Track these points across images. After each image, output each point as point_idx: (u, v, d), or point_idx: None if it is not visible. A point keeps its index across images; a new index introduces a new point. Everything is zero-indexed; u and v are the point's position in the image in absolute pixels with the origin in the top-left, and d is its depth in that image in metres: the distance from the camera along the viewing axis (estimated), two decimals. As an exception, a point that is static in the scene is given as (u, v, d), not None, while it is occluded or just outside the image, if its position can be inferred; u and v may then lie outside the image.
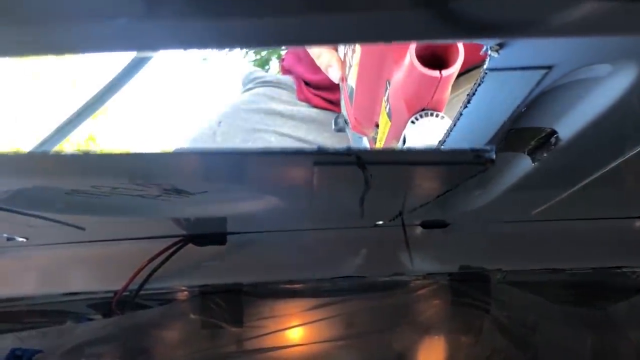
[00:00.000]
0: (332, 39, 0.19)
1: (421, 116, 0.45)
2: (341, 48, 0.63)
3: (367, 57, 0.52)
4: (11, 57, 0.14)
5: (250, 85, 1.02)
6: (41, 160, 0.39)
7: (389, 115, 0.49)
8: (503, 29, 0.14)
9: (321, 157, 0.35)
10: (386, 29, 0.14)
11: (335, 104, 0.88)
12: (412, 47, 0.41)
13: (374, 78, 0.51)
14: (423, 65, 0.41)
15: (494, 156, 0.35)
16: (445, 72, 0.42)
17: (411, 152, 0.39)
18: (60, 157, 0.41)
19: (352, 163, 0.36)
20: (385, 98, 0.49)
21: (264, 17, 0.13)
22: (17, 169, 0.39)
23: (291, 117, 0.95)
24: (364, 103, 0.57)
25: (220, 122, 0.96)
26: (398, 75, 0.45)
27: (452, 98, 0.82)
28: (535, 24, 0.14)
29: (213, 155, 0.41)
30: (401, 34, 0.14)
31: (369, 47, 0.50)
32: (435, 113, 0.45)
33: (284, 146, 0.92)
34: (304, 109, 0.95)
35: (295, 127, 0.94)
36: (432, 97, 0.44)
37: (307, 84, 0.94)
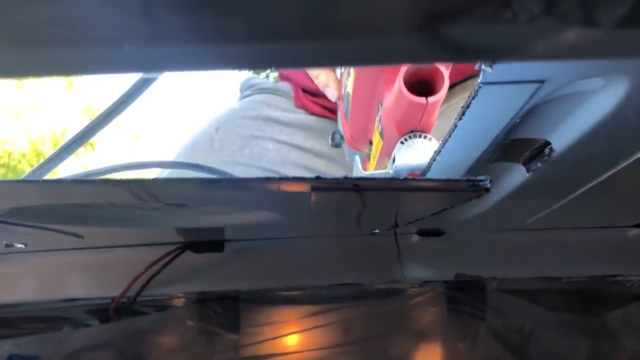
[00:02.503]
0: (328, 62, 0.20)
1: (410, 137, 0.48)
2: (338, 69, 0.66)
3: (360, 80, 0.55)
4: (17, 78, 0.15)
5: (248, 92, 1.02)
6: (39, 188, 0.40)
7: (381, 134, 0.51)
8: (491, 53, 0.15)
9: (319, 184, 0.36)
10: (380, 53, 0.15)
11: (333, 111, 0.89)
12: (401, 74, 0.44)
13: (367, 99, 0.54)
14: (411, 91, 0.44)
15: (488, 185, 0.36)
16: (431, 99, 0.44)
17: (407, 180, 0.40)
18: (58, 185, 0.41)
19: (349, 190, 0.37)
20: (378, 118, 0.52)
21: (263, 42, 0.14)
22: (14, 196, 0.40)
23: (289, 124, 0.95)
24: (358, 122, 0.60)
25: (217, 129, 0.97)
26: (388, 99, 0.48)
27: (446, 107, 0.83)
28: (522, 49, 0.15)
29: (212, 183, 0.42)
30: (394, 58, 0.15)
31: (362, 71, 0.53)
32: (423, 135, 0.48)
33: (281, 154, 0.92)
34: (301, 116, 0.95)
35: (292, 134, 0.94)
36: (420, 121, 0.46)
37: (304, 91, 0.95)
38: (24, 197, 0.42)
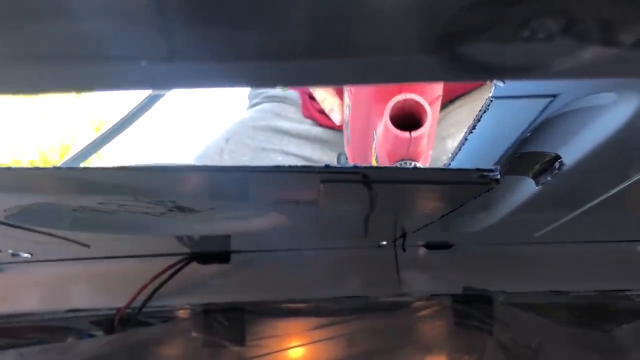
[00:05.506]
0: (340, 81, 0.20)
1: (400, 165, 0.50)
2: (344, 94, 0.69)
3: (356, 109, 0.58)
4: (34, 95, 0.14)
5: (256, 100, 1.02)
6: (50, 175, 0.40)
7: (377, 161, 0.55)
8: (507, 72, 0.15)
9: (328, 175, 0.36)
10: (395, 72, 0.15)
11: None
12: (388, 109, 0.47)
13: (363, 128, 0.57)
14: (398, 124, 0.47)
15: (498, 176, 0.36)
16: (414, 133, 0.47)
17: (417, 171, 0.40)
18: (67, 172, 0.41)
19: (359, 181, 0.37)
20: (374, 146, 0.55)
21: (277, 60, 0.14)
22: (26, 184, 0.40)
23: (297, 135, 0.95)
24: (358, 147, 0.63)
25: (227, 140, 0.97)
26: (379, 130, 0.51)
27: (448, 112, 0.83)
28: (539, 68, 0.14)
29: (221, 171, 0.41)
30: (409, 76, 0.15)
31: (358, 101, 0.56)
32: (412, 163, 0.50)
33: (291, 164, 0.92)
34: (309, 127, 0.95)
35: (301, 145, 0.94)
36: (407, 151, 0.49)
37: (312, 98, 0.95)
38: (32, 186, 0.41)
